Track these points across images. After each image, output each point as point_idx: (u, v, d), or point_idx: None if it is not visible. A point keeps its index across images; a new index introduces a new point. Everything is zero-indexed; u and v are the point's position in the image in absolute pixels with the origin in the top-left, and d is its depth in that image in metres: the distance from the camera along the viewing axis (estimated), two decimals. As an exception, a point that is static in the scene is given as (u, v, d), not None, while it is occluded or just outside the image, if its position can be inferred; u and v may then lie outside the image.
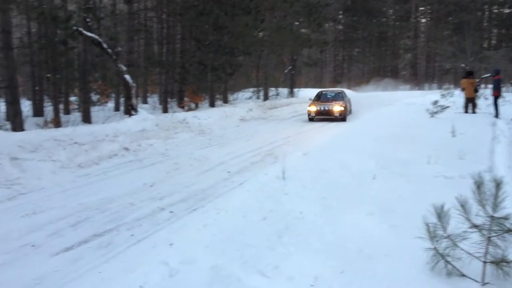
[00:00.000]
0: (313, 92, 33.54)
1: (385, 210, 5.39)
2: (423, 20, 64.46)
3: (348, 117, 20.94)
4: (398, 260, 4.10)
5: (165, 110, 22.36)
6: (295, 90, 35.99)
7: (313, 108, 20.26)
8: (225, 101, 26.91)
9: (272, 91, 33.32)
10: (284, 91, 35.25)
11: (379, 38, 62.62)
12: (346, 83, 47.82)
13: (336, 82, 52.88)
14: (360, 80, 55.00)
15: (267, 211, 5.50)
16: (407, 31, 62.55)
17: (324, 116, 19.95)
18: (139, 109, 16.11)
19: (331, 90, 23.89)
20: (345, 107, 20.18)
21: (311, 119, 20.29)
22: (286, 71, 36.83)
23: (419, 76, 58.61)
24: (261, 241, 4.62)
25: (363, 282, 3.78)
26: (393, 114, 17.76)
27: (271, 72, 33.23)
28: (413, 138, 10.62)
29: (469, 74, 17.61)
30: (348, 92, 34.36)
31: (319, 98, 21.87)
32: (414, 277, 3.81)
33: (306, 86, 42.90)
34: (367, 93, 40.39)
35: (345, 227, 4.93)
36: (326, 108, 20.02)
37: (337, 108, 19.86)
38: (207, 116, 18.28)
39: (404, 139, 10.56)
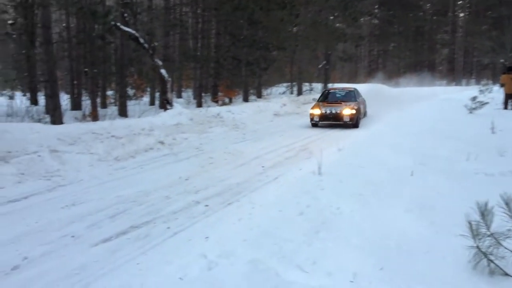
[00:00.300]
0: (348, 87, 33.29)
1: (424, 207, 5.30)
2: (461, 14, 63.13)
3: (365, 122, 17.60)
4: (439, 258, 4.02)
5: (199, 105, 22.51)
6: (329, 85, 35.75)
7: (317, 111, 16.50)
8: (259, 96, 26.93)
9: (305, 86, 33.18)
10: (318, 86, 35.06)
11: (416, 32, 61.59)
12: (381, 79, 47.19)
13: (371, 77, 52.27)
14: (396, 75, 54.23)
15: (303, 206, 5.47)
16: (445, 26, 61.38)
17: (331, 121, 16.35)
18: (174, 103, 16.26)
19: (340, 88, 20.17)
20: (357, 110, 16.39)
21: (314, 125, 16.69)
22: (320, 66, 36.60)
23: (456, 71, 57.48)
24: (298, 236, 4.59)
25: (403, 279, 3.72)
26: (430, 110, 17.49)
27: (305, 67, 33.08)
28: (451, 135, 10.41)
29: (510, 70, 17.17)
30: (378, 87, 33.79)
31: (325, 98, 18.14)
32: (455, 275, 3.73)
33: (341, 81, 42.53)
34: (402, 88, 39.77)
35: (383, 223, 4.86)
36: (334, 111, 16.21)
37: (347, 111, 16.05)
38: (241, 111, 18.32)
39: (442, 136, 10.36)
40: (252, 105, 21.11)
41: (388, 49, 62.12)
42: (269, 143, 12.57)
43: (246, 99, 24.41)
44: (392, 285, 3.65)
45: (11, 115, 14.97)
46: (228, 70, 23.32)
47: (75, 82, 21.94)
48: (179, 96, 30.91)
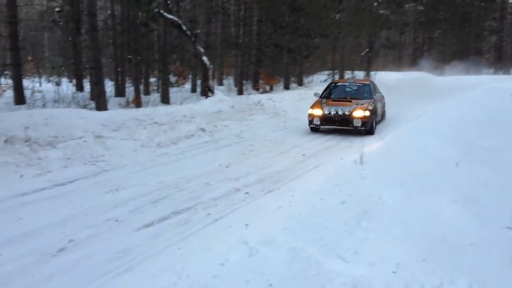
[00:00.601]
0: (390, 76, 32.64)
1: (469, 198, 5.16)
2: (510, 1, 60.86)
3: (383, 126, 13.58)
4: (484, 251, 3.92)
5: (240, 92, 22.53)
6: (372, 73, 35.16)
7: (318, 111, 12.61)
8: (300, 83, 26.72)
9: (347, 74, 32.76)
10: (360, 74, 34.55)
11: (462, 19, 59.65)
12: (426, 67, 46.10)
13: (415, 65, 51.14)
14: (441, 63, 52.87)
15: (345, 195, 5.42)
16: (493, 12, 59.25)
17: (336, 126, 12.58)
18: (215, 91, 16.35)
19: (351, 81, 16.04)
20: (372, 111, 12.45)
21: (314, 129, 12.87)
22: (362, 53, 36.03)
23: (504, 59, 55.58)
24: (339, 225, 4.55)
25: (447, 271, 3.64)
26: (476, 99, 16.93)
27: (347, 54, 32.63)
28: (498, 125, 10.08)
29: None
30: (422, 76, 32.91)
31: (331, 93, 14.07)
32: (501, 268, 3.64)
33: (384, 69, 41.80)
34: (447, 76, 38.78)
35: (426, 214, 4.77)
36: (340, 112, 12.31)
37: (358, 113, 12.17)
38: (281, 99, 18.24)
39: (488, 126, 10.05)
40: (293, 92, 20.99)
41: (434, 36, 60.49)
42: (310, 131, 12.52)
43: (287, 87, 24.27)
44: (435, 276, 3.58)
45: (58, 101, 15.36)
46: (270, 58, 23.20)
47: (119, 69, 22.28)
48: (220, 84, 31.02)
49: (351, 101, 12.70)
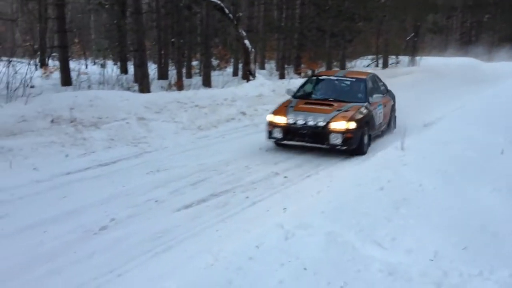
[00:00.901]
0: (435, 61, 31.74)
1: (513, 187, 5.01)
2: None
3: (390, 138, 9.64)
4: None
5: (281, 76, 22.46)
6: (417, 58, 34.37)
7: (280, 119, 8.66)
8: (343, 68, 26.45)
9: (391, 59, 32.14)
10: (404, 59, 33.83)
11: (513, 3, 57.59)
12: (473, 52, 44.74)
13: (462, 50, 49.71)
14: (489, 49, 51.19)
15: (384, 181, 5.34)
16: (547, -5, 56.84)
17: (304, 142, 8.57)
18: (256, 75, 16.33)
19: (341, 74, 11.23)
20: (361, 121, 8.51)
21: (278, 143, 9.02)
22: (408, 38, 35.23)
23: (558, 45, 53.32)
24: (377, 211, 4.50)
25: (487, 260, 3.56)
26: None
27: (392, 39, 31.97)
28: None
29: None
30: (470, 62, 31.79)
31: (308, 91, 10.07)
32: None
33: (429, 54, 40.80)
34: (496, 63, 37.53)
35: (467, 202, 4.66)
36: (311, 123, 8.37)
37: (338, 124, 8.27)
38: (323, 83, 18.03)
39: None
40: (335, 77, 20.69)
41: (482, 21, 58.50)
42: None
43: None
44: (475, 265, 3.50)
45: (103, 83, 15.67)
46: (312, 42, 23.04)
47: (162, 52, 22.53)
48: (262, 68, 30.97)
49: (332, 105, 8.71)
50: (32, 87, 11.01)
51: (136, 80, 16.74)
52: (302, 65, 23.73)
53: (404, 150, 6.67)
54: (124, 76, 18.64)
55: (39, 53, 22.91)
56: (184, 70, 22.37)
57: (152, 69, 20.18)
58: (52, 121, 8.28)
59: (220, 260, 3.88)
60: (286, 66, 24.57)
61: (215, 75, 21.73)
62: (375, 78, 10.53)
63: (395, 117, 11.16)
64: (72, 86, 15.03)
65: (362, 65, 30.77)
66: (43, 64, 21.74)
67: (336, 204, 4.79)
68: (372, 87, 9.79)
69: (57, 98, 9.38)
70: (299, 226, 4.26)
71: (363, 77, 10.06)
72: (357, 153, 8.41)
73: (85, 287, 3.88)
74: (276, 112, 8.84)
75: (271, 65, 30.73)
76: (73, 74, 16.26)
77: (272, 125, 8.62)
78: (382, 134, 10.07)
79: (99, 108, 9.24)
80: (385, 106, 10.09)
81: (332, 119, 8.26)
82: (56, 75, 17.33)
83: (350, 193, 5.14)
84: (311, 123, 8.30)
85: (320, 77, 10.86)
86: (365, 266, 3.59)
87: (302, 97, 9.52)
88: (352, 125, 8.17)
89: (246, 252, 3.88)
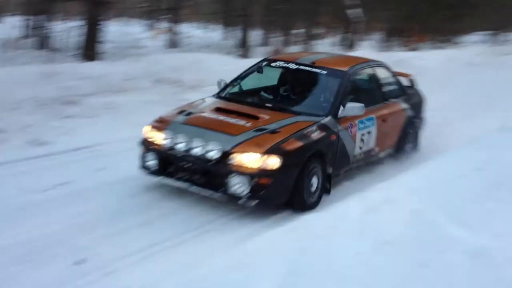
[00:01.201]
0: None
1: None
2: None
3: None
4: None
5: (388, 48, 21.84)
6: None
7: (158, 137, 4.96)
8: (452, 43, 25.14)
9: (508, 36, 29.91)
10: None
11: None
12: None
13: None
14: None
15: (481, 161, 5.09)
16: None
17: (191, 181, 4.75)
18: (362, 45, 16.01)
19: (308, 60, 6.07)
20: (297, 152, 4.72)
21: (151, 174, 5.04)
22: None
23: None
24: (469, 192, 4.32)
25: None
26: None
27: (510, 14, 29.69)
28: None
29: None
30: None
31: (244, 91, 6.19)
32: None
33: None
34: None
35: None
36: (196, 151, 4.66)
37: (245, 157, 4.51)
38: (428, 57, 17.28)
39: None
40: (443, 52, 19.73)
41: None
42: (453, 95, 11.65)
43: (436, 46, 23.00)
44: None
45: (207, 46, 16.11)
46: (422, 14, 22.07)
47: (267, 18, 22.61)
48: (369, 38, 30.26)
49: (257, 119, 5.06)
50: (141, 47, 11.60)
51: (240, 45, 17.05)
52: (410, 38, 22.87)
53: (508, 131, 6.30)
54: (228, 41, 19.00)
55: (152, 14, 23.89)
56: (287, 38, 22.34)
57: (256, 35, 20.37)
58: (155, 80, 8.70)
59: (301, 225, 3.95)
60: (394, 38, 23.80)
61: (318, 44, 21.52)
62: (373, 72, 6.54)
63: (416, 134, 7.21)
64: (178, 48, 15.58)
65: (472, 40, 28.91)
66: (154, 26, 22.68)
67: (424, 183, 4.64)
68: (356, 87, 5.99)
69: (162, 59, 9.81)
70: (384, 201, 4.18)
71: (343, 68, 5.91)
72: (293, 206, 4.86)
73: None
74: (157, 122, 5.19)
75: (377, 36, 29.95)
76: (180, 37, 16.81)
77: (146, 144, 5.09)
78: (392, 155, 6.77)
79: (200, 71, 9.55)
80: (384, 120, 6.16)
81: (238, 146, 4.59)
82: (165, 37, 18.04)
83: (442, 172, 4.99)
84: (196, 150, 4.68)
85: (272, 64, 6.33)
86: (448, 247, 3.48)
87: (228, 98, 6.00)
88: (273, 161, 4.51)
89: (328, 222, 3.91)
